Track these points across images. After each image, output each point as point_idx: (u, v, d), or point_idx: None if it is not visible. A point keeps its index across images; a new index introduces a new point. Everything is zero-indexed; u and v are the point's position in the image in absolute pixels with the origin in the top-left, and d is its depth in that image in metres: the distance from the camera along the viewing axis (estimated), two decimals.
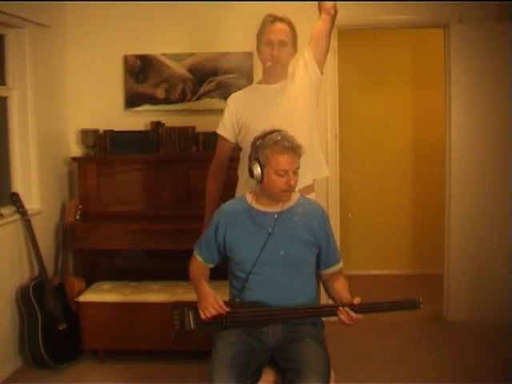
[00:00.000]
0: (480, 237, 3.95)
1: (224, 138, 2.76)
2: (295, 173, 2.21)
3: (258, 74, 3.97)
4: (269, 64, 2.63)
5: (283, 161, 2.18)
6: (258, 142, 2.24)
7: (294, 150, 2.19)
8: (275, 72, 2.66)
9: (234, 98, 2.78)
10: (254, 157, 2.24)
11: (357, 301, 2.11)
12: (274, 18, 2.63)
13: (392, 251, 5.25)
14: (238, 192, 2.68)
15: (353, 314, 2.08)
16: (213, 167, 2.83)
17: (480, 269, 3.95)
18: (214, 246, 2.36)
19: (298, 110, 2.62)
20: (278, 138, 2.20)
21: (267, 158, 2.20)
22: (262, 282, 2.23)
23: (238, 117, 2.70)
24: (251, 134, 2.40)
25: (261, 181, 2.23)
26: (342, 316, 2.10)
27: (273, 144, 2.19)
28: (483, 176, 3.94)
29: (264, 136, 2.24)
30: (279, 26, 2.61)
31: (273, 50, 2.59)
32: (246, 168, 2.32)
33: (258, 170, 2.22)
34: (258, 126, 2.40)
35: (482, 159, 3.93)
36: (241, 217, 2.30)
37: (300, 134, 2.34)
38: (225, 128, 2.75)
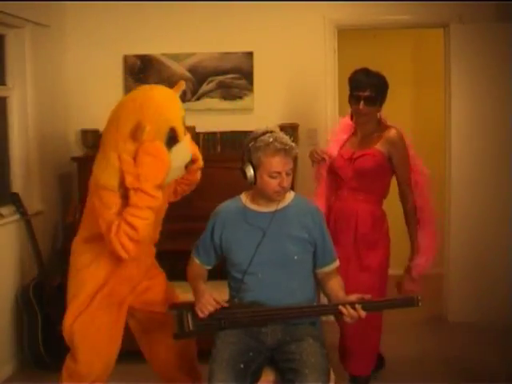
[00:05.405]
0: (480, 237, 3.94)
1: None
2: (288, 174, 2.20)
3: (258, 74, 3.98)
4: None
5: (276, 162, 2.17)
6: (250, 144, 2.22)
7: (286, 151, 2.17)
8: None
9: None
10: (247, 159, 2.23)
11: (367, 298, 2.09)
12: None
13: (392, 251, 5.22)
14: None
15: (361, 312, 2.05)
16: None
17: (480, 269, 3.94)
18: (210, 248, 2.36)
19: None
20: (271, 139, 2.17)
21: (260, 161, 2.19)
22: (259, 282, 2.23)
23: None
24: None
25: (254, 182, 2.23)
26: (348, 313, 2.05)
27: (265, 146, 2.17)
28: (483, 176, 3.94)
29: (256, 138, 2.21)
30: None
31: None
32: None
33: (250, 171, 2.21)
34: None
35: (482, 159, 3.92)
36: (236, 217, 2.31)
37: None
38: None
